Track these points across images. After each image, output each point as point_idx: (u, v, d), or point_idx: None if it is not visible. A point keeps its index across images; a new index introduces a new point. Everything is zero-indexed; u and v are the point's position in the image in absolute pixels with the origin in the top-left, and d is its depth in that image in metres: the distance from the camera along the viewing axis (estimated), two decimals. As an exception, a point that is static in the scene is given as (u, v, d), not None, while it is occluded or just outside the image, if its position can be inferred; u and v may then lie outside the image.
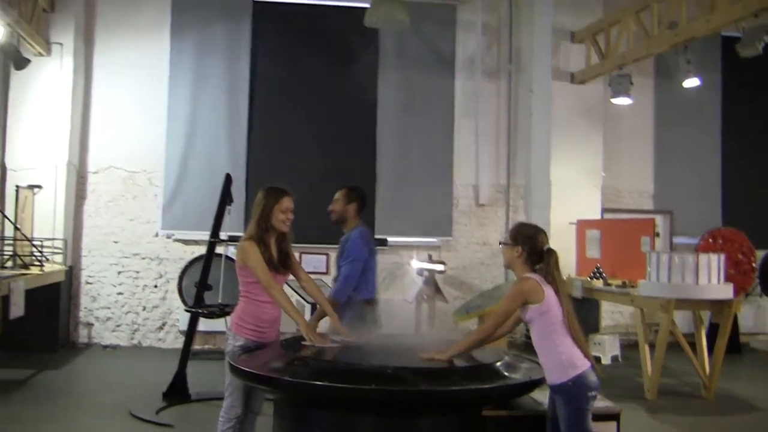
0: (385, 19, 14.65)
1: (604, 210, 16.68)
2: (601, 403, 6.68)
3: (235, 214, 12.87)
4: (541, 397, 6.68)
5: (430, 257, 14.87)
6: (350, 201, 9.43)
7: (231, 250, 12.30)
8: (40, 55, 14.88)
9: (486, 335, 6.52)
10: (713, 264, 11.73)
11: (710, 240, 15.02)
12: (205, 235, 13.62)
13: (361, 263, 9.05)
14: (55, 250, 14.58)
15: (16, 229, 13.05)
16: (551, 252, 6.37)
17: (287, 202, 7.36)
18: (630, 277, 13.36)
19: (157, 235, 15.94)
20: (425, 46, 16.87)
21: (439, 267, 14.48)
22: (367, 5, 14.89)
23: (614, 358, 15.15)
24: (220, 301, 11.31)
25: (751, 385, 12.97)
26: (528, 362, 6.75)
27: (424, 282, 14.31)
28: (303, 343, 6.98)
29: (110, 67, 16.05)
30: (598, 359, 14.95)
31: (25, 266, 12.94)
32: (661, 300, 11.76)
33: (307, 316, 11.03)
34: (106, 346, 15.66)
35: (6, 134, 15.12)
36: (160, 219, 15.89)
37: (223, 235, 11.26)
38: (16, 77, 14.82)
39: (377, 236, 15.65)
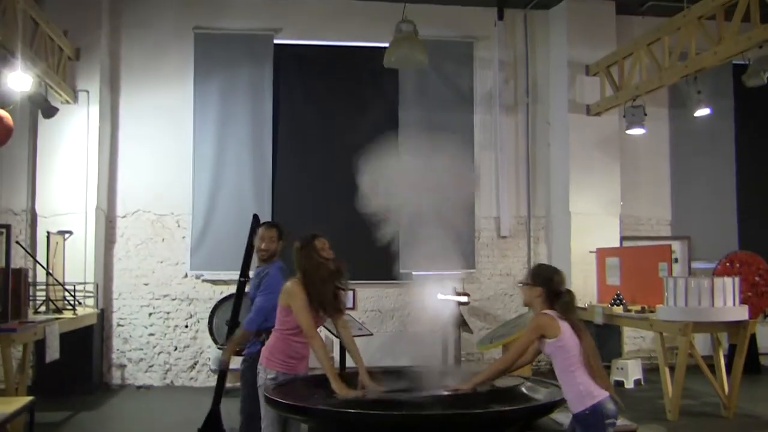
0: (404, 59, 14.99)
1: (623, 238, 16.94)
2: (619, 422, 6.97)
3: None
4: (563, 418, 6.98)
5: (454, 289, 15.14)
6: (279, 239, 9.79)
7: None
8: (67, 102, 15.19)
9: (507, 366, 6.85)
10: (728, 287, 11.99)
11: (727, 264, 15.22)
12: (233, 275, 13.98)
13: (276, 296, 9.49)
14: (87, 294, 14.87)
15: (49, 274, 13.23)
16: (570, 293, 6.69)
17: (320, 242, 7.71)
18: (649, 303, 13.62)
19: (186, 276, 16.23)
20: (444, 82, 17.18)
21: (464, 299, 14.77)
22: (386, 45, 15.25)
23: (637, 382, 15.38)
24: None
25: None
26: (548, 386, 7.02)
27: (450, 314, 14.59)
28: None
29: (136, 112, 16.39)
30: (621, 383, 15.23)
31: (59, 310, 13.15)
32: (679, 324, 12.00)
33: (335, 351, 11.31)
34: (139, 387, 15.91)
35: (36, 181, 15.47)
36: (188, 260, 16.18)
37: (251, 274, 11.54)
38: (45, 125, 15.09)
39: (402, 270, 15.99)
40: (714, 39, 12.82)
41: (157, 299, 16.11)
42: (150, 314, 16.11)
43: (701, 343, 15.72)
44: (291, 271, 9.36)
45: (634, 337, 17.38)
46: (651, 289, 13.85)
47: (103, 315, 15.75)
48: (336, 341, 12.65)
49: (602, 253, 15.98)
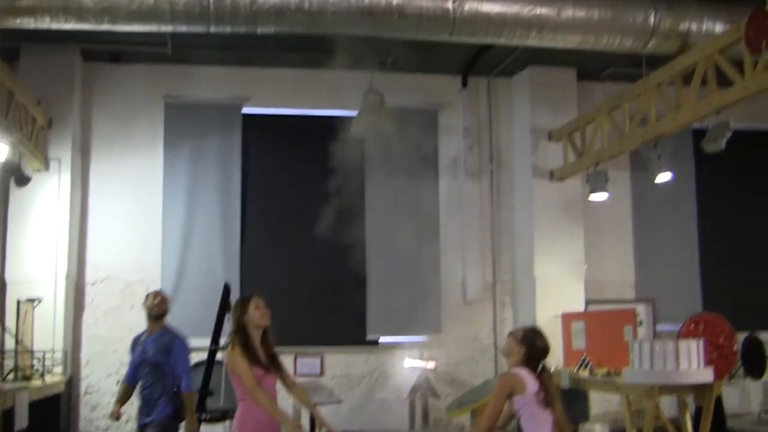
0: (371, 129, 15.29)
1: (588, 302, 17.05)
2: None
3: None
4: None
5: (421, 355, 15.30)
6: (166, 300, 10.94)
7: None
8: (39, 170, 15.24)
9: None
10: (693, 349, 12.14)
11: (692, 326, 15.38)
12: (201, 342, 14.04)
13: (189, 356, 9.95)
14: (56, 362, 14.85)
15: (17, 342, 13.30)
16: (545, 371, 6.89)
17: (256, 300, 7.95)
18: (615, 366, 13.74)
19: (155, 343, 16.25)
20: (409, 149, 17.29)
21: (430, 364, 14.92)
22: (352, 113, 15.51)
23: (605, 446, 15.52)
24: (221, 405, 11.69)
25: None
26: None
27: (417, 379, 14.72)
28: None
29: (106, 179, 16.51)
30: (588, 447, 15.36)
31: (27, 378, 13.22)
32: (644, 386, 12.14)
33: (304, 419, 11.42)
34: (107, 455, 15.93)
35: (6, 249, 15.49)
36: (157, 327, 16.21)
37: (222, 342, 11.66)
38: (16, 193, 15.20)
39: (370, 336, 16.20)
40: (673, 105, 13.12)
41: (125, 366, 15.90)
42: (118, 382, 15.94)
43: (668, 405, 15.88)
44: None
45: (601, 401, 17.42)
46: (617, 352, 13.97)
47: (72, 382, 15.72)
48: (303, 410, 12.73)
49: (567, 318, 16.13)
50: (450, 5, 12.44)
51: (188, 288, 16.27)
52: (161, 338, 10.77)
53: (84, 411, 16.04)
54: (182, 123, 16.78)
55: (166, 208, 16.53)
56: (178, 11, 11.91)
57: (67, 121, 15.85)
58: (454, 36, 12.96)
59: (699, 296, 18.20)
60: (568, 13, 12.98)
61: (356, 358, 16.87)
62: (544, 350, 6.99)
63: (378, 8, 12.20)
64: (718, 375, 12.90)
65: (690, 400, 13.43)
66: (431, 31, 12.76)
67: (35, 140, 14.99)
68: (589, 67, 17.21)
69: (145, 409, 11.05)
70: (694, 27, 13.49)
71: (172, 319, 15.83)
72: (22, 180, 14.13)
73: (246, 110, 17.06)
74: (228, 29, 12.39)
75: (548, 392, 6.82)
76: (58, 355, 14.99)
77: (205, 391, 11.27)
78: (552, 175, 17.06)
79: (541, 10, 12.83)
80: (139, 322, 15.77)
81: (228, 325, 11.21)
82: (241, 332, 7.86)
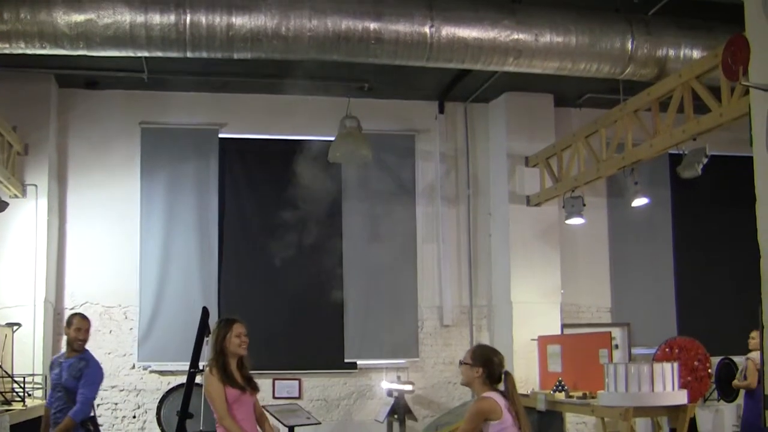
0: (348, 155, 15.41)
1: (564, 325, 17.16)
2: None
3: (211, 345, 13.38)
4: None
5: (398, 378, 15.36)
6: (89, 329, 10.46)
7: None
8: (16, 197, 15.27)
9: None
10: (667, 372, 12.26)
11: (667, 349, 15.48)
12: (180, 366, 14.14)
13: (98, 386, 9.97)
14: (36, 386, 14.81)
15: (-1, 366, 13.35)
16: (508, 376, 6.94)
17: (239, 328, 8.04)
18: (590, 389, 13.85)
19: (134, 367, 16.30)
20: (386, 175, 17.49)
21: (408, 387, 15.01)
22: (330, 138, 15.61)
23: (580, 469, 15.63)
24: (201, 428, 11.72)
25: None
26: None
27: (395, 402, 14.78)
28: None
29: (83, 205, 16.55)
30: (564, 470, 15.47)
31: (8, 402, 13.16)
32: (619, 409, 12.19)
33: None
34: (87, 478, 15.93)
35: (-16, 275, 15.55)
36: (136, 351, 16.26)
37: (201, 365, 11.68)
38: (-7, 219, 15.26)
39: (347, 360, 16.25)
40: (650, 131, 13.23)
41: (104, 390, 16.09)
42: (98, 405, 16.02)
43: (643, 428, 15.99)
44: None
45: (576, 423, 17.55)
46: (592, 375, 14.09)
47: (51, 407, 15.71)
48: (282, 428, 12.80)
49: (543, 341, 16.23)
50: (427, 30, 12.49)
51: (166, 312, 16.30)
52: (77, 363, 10.72)
53: (63, 435, 15.99)
54: (159, 148, 16.84)
55: (143, 233, 16.57)
56: (154, 36, 11.91)
57: (44, 147, 15.88)
58: (431, 61, 13.03)
59: (674, 320, 18.33)
60: (546, 38, 13.01)
61: (334, 381, 16.94)
62: (501, 362, 7.03)
63: (354, 34, 12.24)
64: (692, 397, 13.04)
65: (665, 422, 13.55)
66: (408, 56, 12.81)
67: (11, 166, 15.03)
68: (566, 93, 17.35)
69: None
70: (671, 53, 13.46)
71: (151, 343, 15.97)
72: (1, 206, 14.12)
73: (222, 135, 17.15)
74: (204, 54, 12.41)
75: (514, 401, 6.87)
76: (39, 379, 14.93)
77: (184, 414, 11.27)
78: (529, 201, 17.16)
79: (518, 36, 12.87)
80: (118, 347, 15.98)
81: (207, 349, 11.33)
82: (219, 355, 7.93)
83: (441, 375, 17.29)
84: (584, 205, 15.55)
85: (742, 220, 9.80)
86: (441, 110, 18.01)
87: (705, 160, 12.41)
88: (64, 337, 15.55)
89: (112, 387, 16.20)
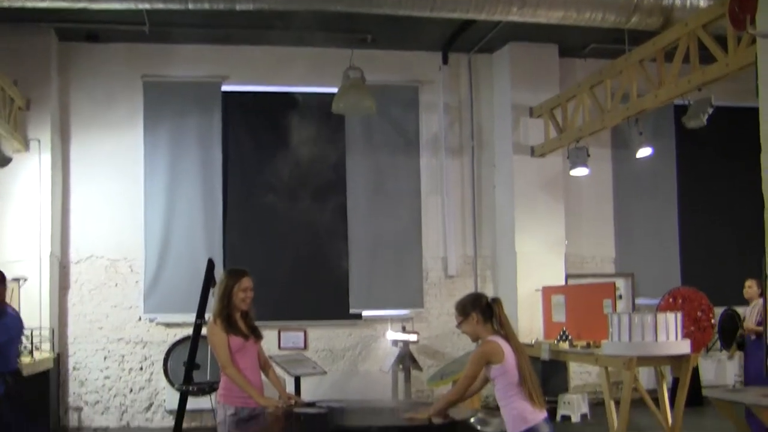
0: (351, 106, 15.37)
1: (568, 276, 17.26)
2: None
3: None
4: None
5: (403, 328, 15.44)
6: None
7: None
8: (19, 151, 15.28)
9: (459, 396, 7.15)
10: (670, 322, 12.29)
11: (670, 300, 15.49)
12: (186, 318, 14.19)
13: (9, 337, 9.98)
14: (43, 339, 14.93)
15: (5, 320, 13.39)
16: (496, 300, 7.02)
17: (246, 282, 7.99)
18: (594, 338, 13.91)
19: (140, 319, 16.40)
20: (390, 127, 17.49)
21: (413, 337, 15.07)
22: (333, 90, 15.58)
23: (583, 417, 15.71)
24: (208, 378, 11.80)
25: (712, 434, 13.56)
26: (498, 417, 7.29)
27: (400, 352, 14.86)
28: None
29: (87, 160, 16.58)
30: (567, 418, 15.57)
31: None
32: (623, 358, 12.25)
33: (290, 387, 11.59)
34: (96, 429, 16.09)
35: (-10, 229, 15.62)
36: (142, 304, 16.35)
37: (207, 317, 11.70)
38: (-3, 174, 15.33)
39: (352, 311, 16.30)
40: (655, 82, 13.23)
41: (111, 343, 16.26)
42: (105, 357, 16.25)
43: (646, 377, 16.06)
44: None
45: (580, 372, 17.66)
46: (596, 325, 14.14)
47: (59, 359, 15.85)
48: (290, 379, 12.87)
49: (548, 291, 16.34)
50: (431, -21, 12.51)
51: (171, 265, 16.38)
52: None
53: (73, 386, 16.22)
54: (161, 102, 16.83)
55: (147, 186, 16.62)
56: (156, -12, 11.95)
57: (46, 102, 15.88)
58: (435, 11, 13.00)
59: (678, 271, 18.41)
60: (551, -14, 13.03)
61: (339, 331, 17.06)
62: (486, 299, 7.08)
63: (358, -17, 12.27)
64: (695, 347, 13.06)
65: (668, 372, 13.60)
66: (412, 6, 12.78)
67: (14, 122, 15.00)
68: (571, 43, 17.28)
69: None
70: (677, 2, 13.41)
71: (157, 295, 16.03)
72: (3, 161, 14.13)
73: (225, 88, 17.13)
74: (206, 6, 12.38)
75: (502, 322, 6.93)
76: (46, 333, 15.09)
77: (191, 365, 11.36)
78: (533, 152, 17.17)
79: (522, -16, 12.89)
80: (124, 300, 16.08)
81: (213, 300, 11.39)
82: (223, 304, 7.93)
83: (445, 325, 17.27)
84: (588, 155, 15.58)
85: (746, 171, 9.82)
86: (445, 61, 17.94)
87: (710, 111, 12.41)
88: (70, 290, 15.75)
89: (119, 339, 16.34)
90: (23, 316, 14.33)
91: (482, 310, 7.00)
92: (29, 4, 12.14)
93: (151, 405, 16.36)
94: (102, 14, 13.58)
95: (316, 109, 16.54)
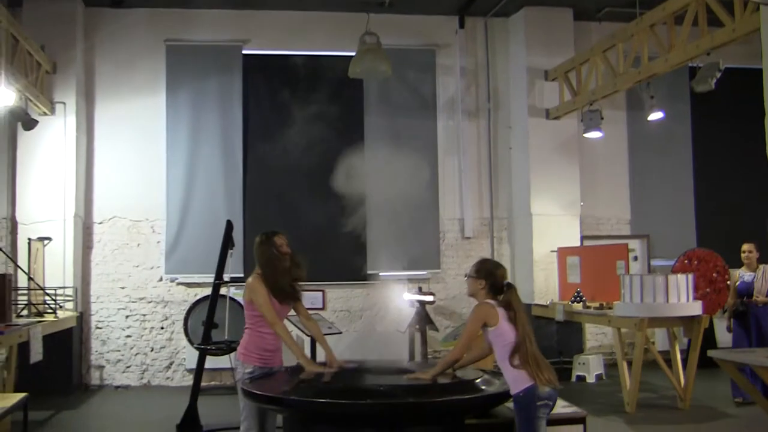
0: (368, 70, 15.56)
1: (584, 237, 17.46)
2: (569, 409, 7.54)
3: (235, 257, 13.70)
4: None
5: (420, 289, 15.64)
6: None
7: (233, 291, 12.93)
8: (45, 114, 15.58)
9: (457, 356, 7.40)
10: (682, 284, 12.53)
11: (686, 261, 15.65)
12: (206, 278, 14.44)
13: None
14: (66, 298, 15.29)
15: (30, 279, 13.58)
16: (510, 286, 7.24)
17: (280, 239, 8.24)
18: (607, 299, 14.14)
19: (161, 279, 16.72)
20: (407, 89, 17.68)
21: (429, 298, 15.25)
22: (351, 53, 15.77)
23: (598, 377, 15.92)
24: (226, 337, 12.07)
25: (725, 395, 13.71)
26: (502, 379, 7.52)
27: (416, 313, 15.09)
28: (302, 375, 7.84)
29: (111, 122, 16.85)
30: (583, 378, 15.80)
31: (40, 314, 13.57)
32: (634, 319, 12.54)
33: (306, 349, 11.86)
34: (117, 387, 16.39)
35: (16, 191, 15.90)
36: (163, 264, 16.68)
37: (226, 277, 11.94)
38: (24, 136, 15.52)
39: (369, 272, 16.53)
40: (665, 46, 13.40)
41: (133, 302, 16.56)
42: (127, 317, 16.56)
43: (661, 338, 16.27)
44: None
45: (596, 333, 17.88)
46: (610, 286, 14.36)
47: (82, 318, 16.20)
48: (307, 340, 13.11)
49: (563, 253, 16.53)
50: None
51: (192, 226, 16.68)
52: None
53: (95, 345, 16.56)
54: (184, 65, 17.09)
55: (169, 148, 16.89)
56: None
57: (71, 66, 16.16)
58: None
59: (693, 232, 18.60)
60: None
61: (357, 292, 17.38)
62: (503, 275, 7.28)
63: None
64: (711, 309, 13.29)
65: (680, 333, 13.80)
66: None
67: (40, 85, 15.33)
68: (585, 6, 17.44)
69: None
70: (687, -33, 13.69)
71: (178, 256, 16.36)
72: (29, 124, 14.35)
73: (246, 52, 17.35)
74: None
75: (513, 308, 7.13)
76: (69, 292, 15.46)
77: (210, 324, 11.62)
78: (548, 114, 17.36)
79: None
80: (146, 260, 16.38)
81: (231, 261, 11.66)
82: (268, 266, 8.16)
83: (462, 286, 17.38)
84: (602, 118, 15.74)
85: (760, 132, 9.96)
86: (461, 25, 18.11)
87: (718, 75, 12.52)
88: (93, 251, 16.03)
89: (141, 299, 16.65)
90: (47, 274, 14.77)
91: (494, 284, 7.24)
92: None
93: (171, 364, 16.68)
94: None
95: (334, 72, 16.84)
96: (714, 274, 14.59)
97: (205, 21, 17.18)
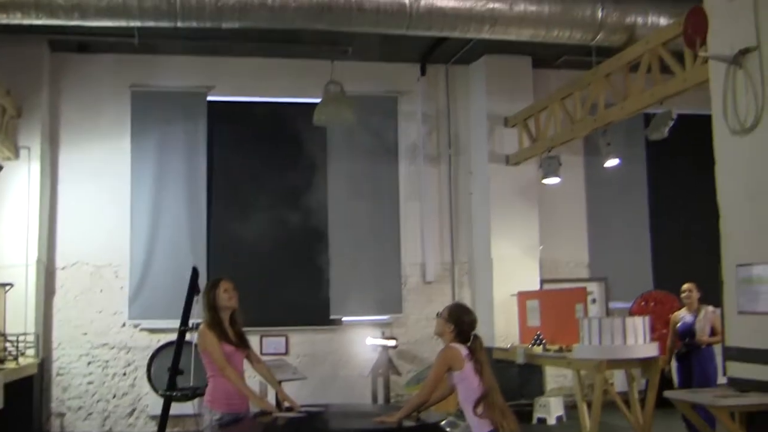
0: (332, 118, 15.82)
1: (543, 281, 17.63)
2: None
3: (201, 303, 13.77)
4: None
5: (382, 334, 15.80)
6: None
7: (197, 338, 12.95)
8: (9, 159, 15.53)
9: (423, 399, 7.56)
10: (639, 326, 12.68)
11: (643, 303, 15.86)
12: (169, 324, 14.54)
13: None
14: (28, 345, 15.16)
15: (-8, 326, 13.66)
16: (477, 338, 7.43)
17: (225, 284, 8.47)
18: (567, 342, 14.28)
19: (124, 325, 16.70)
20: (370, 135, 17.87)
21: (391, 342, 15.43)
22: (314, 100, 15.97)
23: (559, 418, 16.10)
24: (192, 384, 12.12)
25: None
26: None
27: (379, 357, 15.23)
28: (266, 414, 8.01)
29: (75, 167, 16.88)
30: (543, 420, 15.96)
31: (1, 361, 13.58)
32: (593, 361, 12.65)
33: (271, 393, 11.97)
34: (78, 434, 16.39)
35: (-21, 236, 15.84)
36: (126, 310, 16.66)
37: (191, 323, 12.00)
38: (-13, 181, 15.52)
39: (332, 316, 16.65)
40: (621, 95, 13.68)
41: (95, 348, 16.55)
42: (89, 363, 16.53)
43: (620, 379, 16.46)
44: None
45: (556, 376, 18.00)
46: (569, 329, 14.47)
47: (43, 365, 16.10)
48: (269, 388, 13.20)
49: (523, 296, 16.69)
50: (407, 0, 12.96)
51: (156, 272, 16.71)
52: None
53: (56, 392, 16.49)
54: (149, 111, 17.19)
55: (134, 194, 16.94)
56: (146, 8, 12.39)
57: (36, 110, 16.20)
58: (410, 30, 13.49)
59: (650, 275, 18.84)
60: (520, 7, 13.58)
61: (320, 337, 17.41)
62: (471, 323, 7.45)
63: (337, 4, 12.73)
64: (662, 350, 13.44)
65: (638, 374, 13.98)
66: (389, 25, 13.28)
67: (5, 129, 15.30)
68: (544, 55, 17.65)
69: None
70: (639, 20, 14.17)
71: (141, 301, 16.43)
72: (-5, 170, 14.41)
73: (211, 98, 17.49)
74: (194, 24, 12.84)
75: (479, 359, 7.31)
76: (31, 338, 15.36)
77: (175, 370, 11.69)
78: (508, 160, 17.59)
79: (494, 5, 13.42)
80: (108, 305, 16.36)
81: (197, 307, 11.77)
82: (212, 312, 8.37)
83: (424, 330, 17.67)
84: (560, 164, 16.01)
85: (713, 177, 10.19)
86: (423, 72, 18.39)
87: (671, 123, 12.80)
88: (56, 296, 16.02)
89: (103, 345, 16.63)
90: (9, 321, 14.74)
91: (460, 331, 7.42)
92: (26, 21, 12.52)
93: (133, 410, 16.65)
94: (93, 27, 13.81)
95: (298, 118, 16.98)
96: (670, 316, 14.82)
97: (170, 67, 17.31)
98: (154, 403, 15.77)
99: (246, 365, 8.70)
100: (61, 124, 17.00)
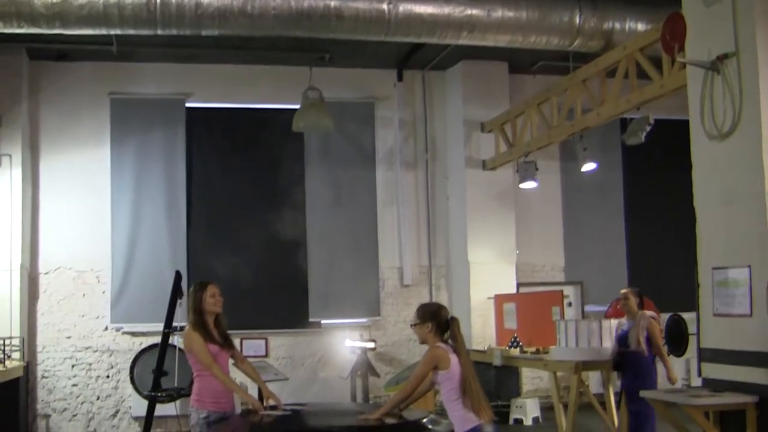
0: (311, 124, 15.94)
1: (520, 284, 17.79)
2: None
3: (183, 306, 13.91)
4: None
5: (361, 336, 15.96)
6: None
7: (179, 340, 13.13)
8: (-10, 167, 15.72)
9: (406, 395, 7.72)
10: (614, 328, 12.92)
11: (618, 306, 16.04)
12: (152, 327, 14.70)
13: None
14: (13, 348, 15.27)
15: (-23, 331, 13.76)
16: (454, 319, 7.62)
17: (212, 289, 8.65)
18: (543, 344, 14.49)
19: (107, 329, 16.82)
20: (347, 141, 18.04)
21: (370, 345, 15.59)
22: (292, 106, 16.13)
23: (535, 420, 16.25)
24: (176, 385, 12.29)
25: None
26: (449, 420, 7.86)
27: (358, 359, 15.39)
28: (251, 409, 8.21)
29: (56, 174, 16.97)
30: (520, 421, 16.11)
31: (-13, 365, 13.78)
32: (570, 363, 12.85)
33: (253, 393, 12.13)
34: (63, 436, 16.50)
35: (-39, 242, 15.94)
36: (108, 314, 16.79)
37: (175, 326, 12.15)
38: (-31, 189, 15.59)
39: (312, 319, 16.81)
40: (597, 100, 13.85)
41: (79, 351, 16.66)
42: (73, 366, 16.66)
43: (595, 381, 16.63)
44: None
45: (532, 378, 18.19)
46: (545, 331, 14.66)
47: (29, 367, 16.26)
48: (251, 384, 13.36)
49: (500, 299, 16.89)
50: (385, 7, 13.13)
51: (137, 276, 16.85)
52: None
53: (41, 394, 16.62)
54: (128, 118, 17.29)
55: (114, 199, 17.06)
56: (126, 16, 12.49)
57: (17, 119, 16.31)
58: (389, 36, 13.64)
59: (625, 278, 18.95)
60: (498, 13, 13.72)
61: (299, 340, 17.58)
62: (446, 315, 7.62)
63: (316, 11, 12.88)
64: (642, 352, 13.61)
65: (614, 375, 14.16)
66: (368, 32, 13.44)
67: (-14, 138, 15.45)
68: (521, 60, 17.83)
69: None
70: (617, 26, 14.30)
71: (123, 305, 16.57)
72: (-25, 178, 14.52)
73: (189, 105, 17.62)
74: (174, 31, 12.96)
75: (456, 339, 7.49)
76: (16, 342, 15.49)
77: (159, 372, 11.86)
78: (484, 165, 17.79)
79: (471, 11, 13.57)
80: (91, 309, 16.45)
81: (180, 310, 11.97)
82: (197, 314, 8.54)
83: (401, 333, 17.89)
84: (537, 169, 16.12)
85: (688, 182, 10.35)
86: (400, 78, 18.55)
87: (648, 128, 12.95)
88: (39, 301, 16.14)
89: (86, 348, 16.75)
90: (-7, 326, 14.88)
91: (439, 324, 7.57)
92: (8, 30, 12.62)
93: (117, 412, 16.77)
94: (72, 35, 13.91)
95: (276, 124, 17.20)
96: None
97: (148, 74, 17.41)
98: (137, 405, 15.88)
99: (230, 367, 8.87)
100: (42, 131, 17.07)
